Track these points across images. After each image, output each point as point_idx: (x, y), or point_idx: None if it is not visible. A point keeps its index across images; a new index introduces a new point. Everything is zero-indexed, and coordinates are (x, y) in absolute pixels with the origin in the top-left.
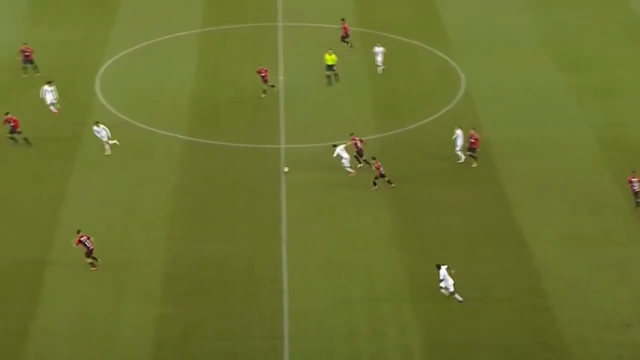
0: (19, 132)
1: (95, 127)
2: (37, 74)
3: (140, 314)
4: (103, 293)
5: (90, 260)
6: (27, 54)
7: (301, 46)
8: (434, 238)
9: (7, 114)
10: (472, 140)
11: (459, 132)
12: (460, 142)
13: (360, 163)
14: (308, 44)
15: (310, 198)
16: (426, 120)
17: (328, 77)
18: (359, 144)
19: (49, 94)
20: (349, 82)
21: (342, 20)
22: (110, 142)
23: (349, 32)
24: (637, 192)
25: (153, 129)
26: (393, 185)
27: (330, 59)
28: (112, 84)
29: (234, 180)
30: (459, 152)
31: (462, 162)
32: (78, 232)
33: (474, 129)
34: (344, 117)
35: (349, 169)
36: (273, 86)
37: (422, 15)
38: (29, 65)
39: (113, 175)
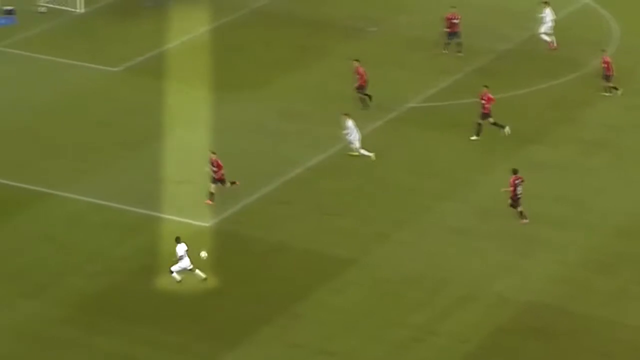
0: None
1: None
2: (460, 54)
3: None
4: None
5: (215, 186)
6: (453, 21)
7: None
8: None
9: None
10: None
11: None
12: None
13: None
14: None
15: None
16: None
17: None
18: None
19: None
20: None
21: (603, 51)
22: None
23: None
24: None
25: None
26: None
27: None
28: None
29: None
30: None
31: None
32: (213, 153)
33: None
34: None
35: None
36: None
37: None
38: (453, 40)
39: None
